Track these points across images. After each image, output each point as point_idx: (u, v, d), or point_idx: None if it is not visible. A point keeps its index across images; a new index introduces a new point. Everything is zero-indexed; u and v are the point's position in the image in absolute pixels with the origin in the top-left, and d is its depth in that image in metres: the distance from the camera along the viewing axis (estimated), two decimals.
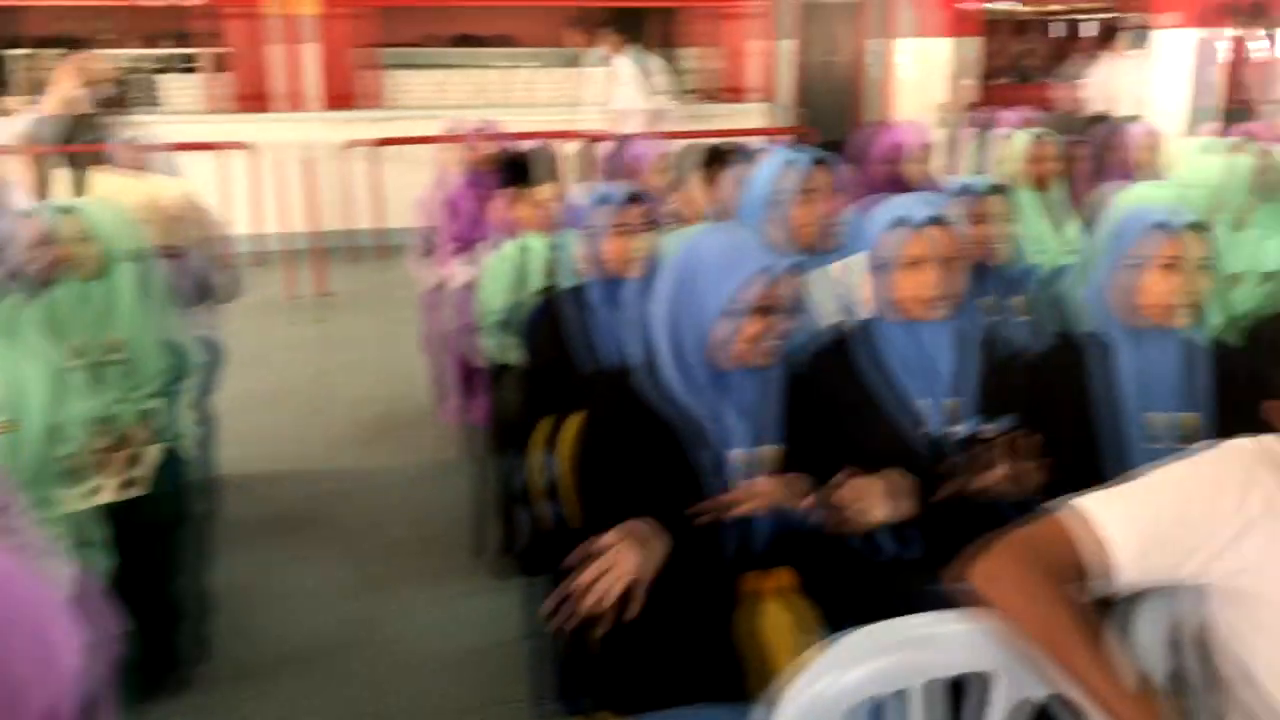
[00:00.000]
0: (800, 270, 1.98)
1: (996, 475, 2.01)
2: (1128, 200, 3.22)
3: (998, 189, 2.82)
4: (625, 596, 1.73)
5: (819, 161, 2.64)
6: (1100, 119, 7.67)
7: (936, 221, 2.12)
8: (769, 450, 1.97)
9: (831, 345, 2.26)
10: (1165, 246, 2.16)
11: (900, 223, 2.13)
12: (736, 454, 1.96)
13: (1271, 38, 8.70)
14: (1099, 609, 1.36)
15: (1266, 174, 3.82)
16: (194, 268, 3.78)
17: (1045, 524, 1.38)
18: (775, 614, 1.87)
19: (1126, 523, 1.33)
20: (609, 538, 1.76)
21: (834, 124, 8.78)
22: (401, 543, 3.71)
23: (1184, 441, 2.15)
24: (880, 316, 2.18)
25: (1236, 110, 7.57)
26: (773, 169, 2.70)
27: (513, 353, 3.07)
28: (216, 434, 3.56)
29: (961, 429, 2.12)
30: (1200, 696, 1.42)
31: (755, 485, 1.89)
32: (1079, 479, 1.98)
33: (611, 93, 7.81)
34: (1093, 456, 2.18)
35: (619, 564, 1.74)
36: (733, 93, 9.67)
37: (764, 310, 1.90)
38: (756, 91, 9.58)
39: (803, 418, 2.04)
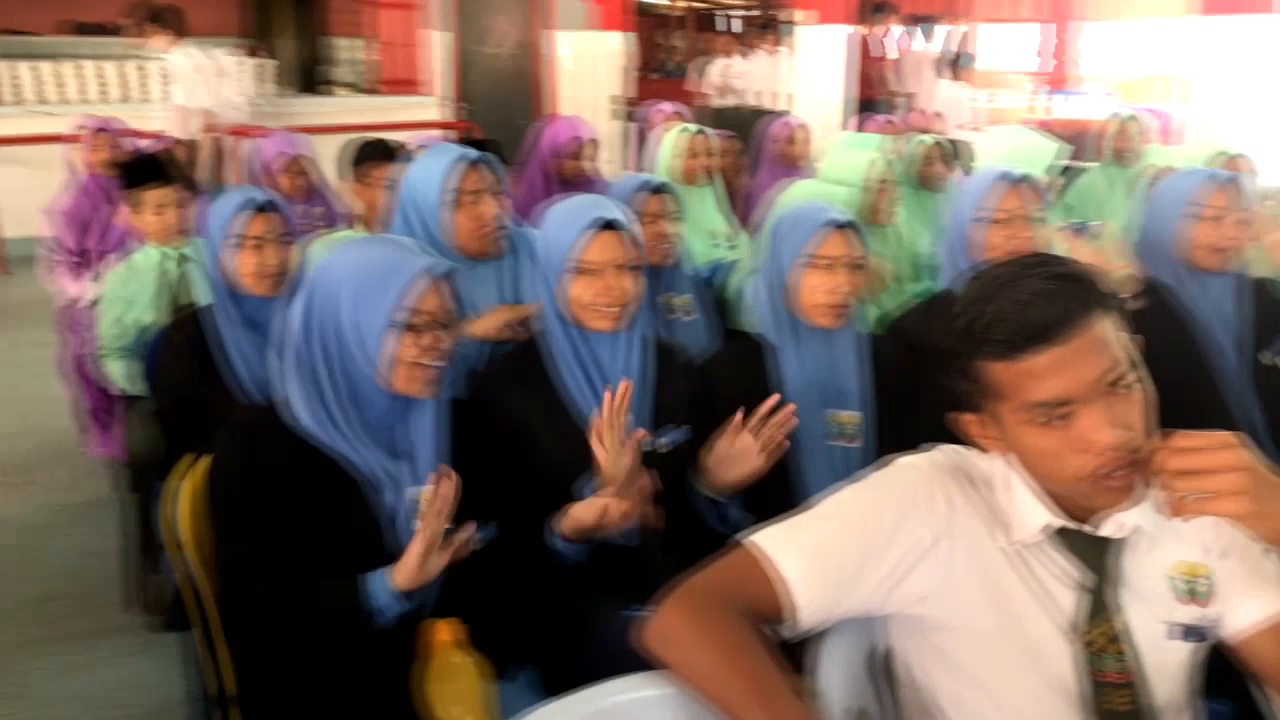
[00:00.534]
0: (454, 276, 1.78)
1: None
2: (788, 198, 3.25)
3: (664, 186, 2.74)
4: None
5: (479, 160, 2.45)
6: (760, 113, 7.97)
7: (611, 226, 2.00)
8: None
9: (516, 355, 2.11)
10: (825, 246, 2.15)
11: (577, 224, 2.00)
12: (414, 493, 1.75)
13: (910, 33, 9.39)
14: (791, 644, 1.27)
15: (911, 166, 4.03)
16: None
17: (729, 563, 1.27)
18: (449, 668, 1.69)
19: (803, 559, 1.25)
20: None
21: (500, 119, 8.64)
22: (50, 597, 3.22)
23: (852, 439, 2.17)
24: (562, 324, 2.04)
25: (874, 103, 8.09)
26: (429, 168, 2.49)
27: (140, 381, 2.69)
28: None
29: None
30: None
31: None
32: (769, 481, 1.98)
33: (169, 89, 7.27)
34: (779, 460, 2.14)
35: None
36: (392, 86, 9.31)
37: (424, 326, 1.69)
38: (414, 85, 9.28)
39: (474, 442, 1.85)
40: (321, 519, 1.69)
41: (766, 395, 2.16)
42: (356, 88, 8.81)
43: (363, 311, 1.66)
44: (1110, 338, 1.21)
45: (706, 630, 1.19)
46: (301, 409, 1.71)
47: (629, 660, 1.25)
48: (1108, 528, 1.28)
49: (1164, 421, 1.22)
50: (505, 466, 1.89)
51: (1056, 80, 9.17)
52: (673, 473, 2.00)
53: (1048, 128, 6.19)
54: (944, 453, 1.36)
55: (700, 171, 3.92)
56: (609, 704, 1.19)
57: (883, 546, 1.26)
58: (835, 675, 1.29)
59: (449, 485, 1.65)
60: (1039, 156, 3.22)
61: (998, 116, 9.06)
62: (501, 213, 2.45)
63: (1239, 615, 1.30)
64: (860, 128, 5.82)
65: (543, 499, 1.88)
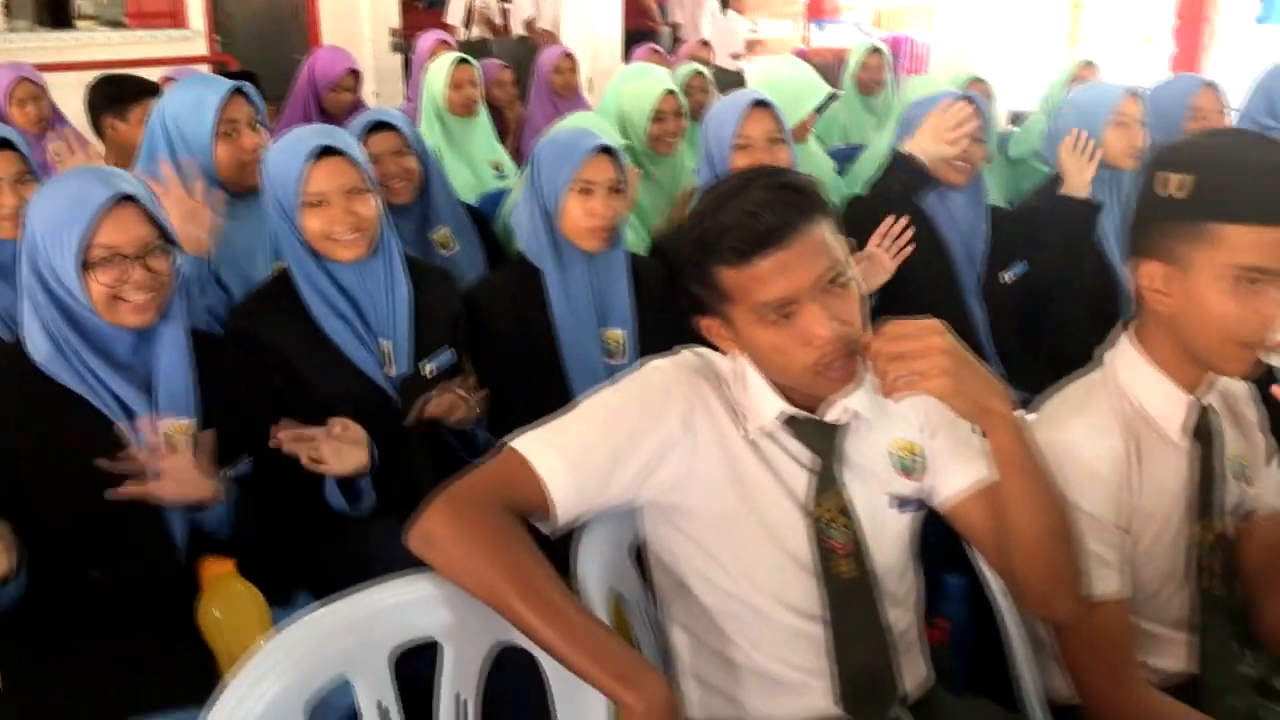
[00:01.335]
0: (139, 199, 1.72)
1: (437, 408, 1.98)
2: (557, 128, 3.27)
3: (388, 124, 2.69)
4: None
5: (239, 90, 2.37)
6: (524, 41, 7.93)
7: (331, 151, 1.99)
8: (182, 422, 1.75)
9: (273, 289, 2.08)
10: (588, 171, 2.21)
11: (298, 156, 1.98)
12: (164, 425, 1.73)
13: None
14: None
15: (691, 96, 4.09)
16: None
17: (491, 466, 1.33)
18: (227, 597, 1.70)
19: (558, 458, 1.32)
20: None
21: (268, 53, 8.25)
22: None
23: (620, 356, 2.27)
24: (310, 255, 2.03)
25: (644, 34, 8.14)
26: (189, 98, 2.39)
27: None
28: None
29: (405, 368, 2.05)
30: (643, 613, 1.47)
31: (164, 467, 1.67)
32: (544, 404, 2.03)
33: None
34: (555, 380, 2.21)
35: None
36: (141, 19, 8.74)
37: (114, 260, 1.66)
38: (166, 18, 8.73)
39: (228, 378, 1.84)
40: (65, 454, 1.67)
41: (536, 319, 2.23)
42: (102, 20, 8.20)
43: (55, 256, 1.65)
44: (828, 241, 1.32)
45: (468, 527, 1.25)
46: (39, 347, 1.68)
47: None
48: (832, 414, 1.40)
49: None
50: (266, 398, 1.89)
51: (815, 10, 9.48)
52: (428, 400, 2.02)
53: (806, 57, 6.43)
54: (690, 354, 1.46)
55: (469, 102, 3.91)
56: (376, 607, 1.23)
57: (632, 444, 1.35)
58: (594, 563, 1.36)
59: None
60: (808, 92, 3.32)
61: (766, 47, 9.31)
62: (261, 145, 2.39)
63: (948, 485, 1.45)
64: (626, 58, 5.88)
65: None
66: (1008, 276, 2.77)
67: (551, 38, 7.58)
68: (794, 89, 3.28)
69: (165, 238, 1.73)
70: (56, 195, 1.68)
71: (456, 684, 1.26)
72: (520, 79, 5.16)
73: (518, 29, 8.52)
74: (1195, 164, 1.36)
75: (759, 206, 1.29)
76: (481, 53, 7.83)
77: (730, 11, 8.85)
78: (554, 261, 2.23)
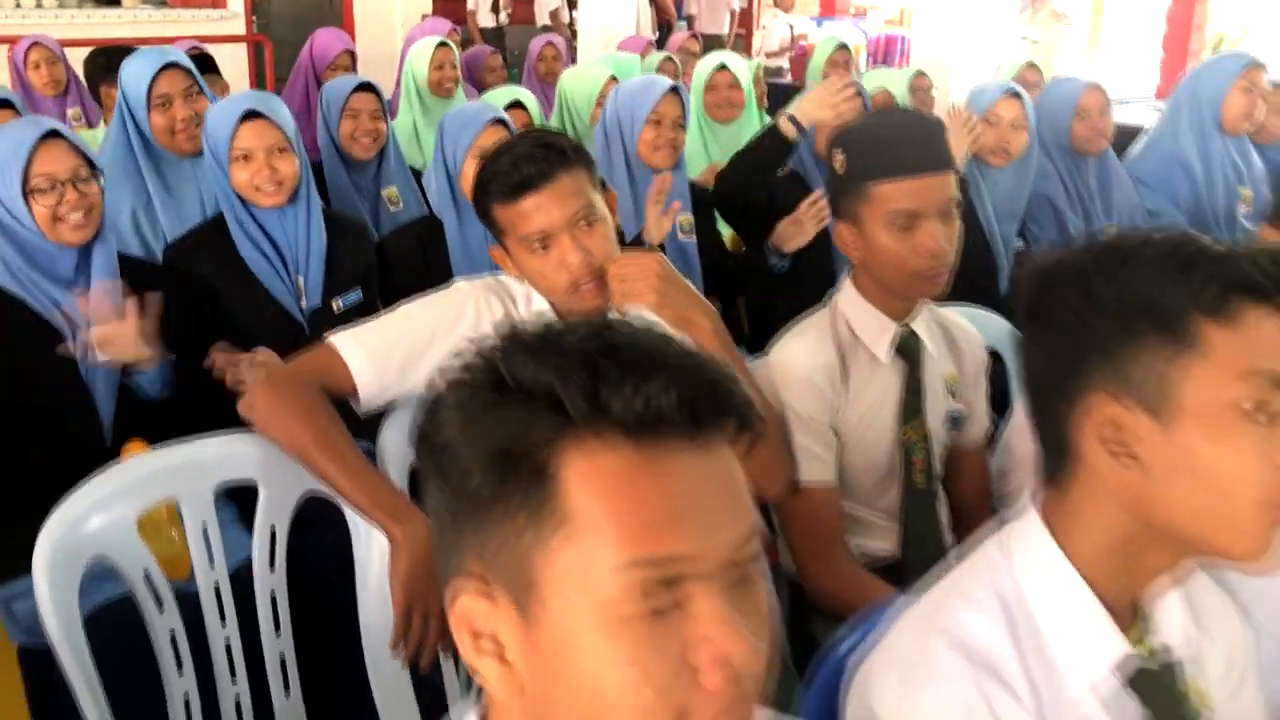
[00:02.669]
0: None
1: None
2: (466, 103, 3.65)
3: (368, 86, 3.10)
4: None
5: (173, 65, 2.75)
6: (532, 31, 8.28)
7: (253, 115, 2.35)
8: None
9: (209, 228, 2.45)
10: (482, 137, 2.56)
11: (230, 117, 2.36)
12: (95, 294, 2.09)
13: None
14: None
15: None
16: None
17: (310, 355, 1.69)
18: None
19: (363, 352, 1.66)
20: None
21: (294, 32, 8.70)
22: None
23: None
24: (240, 203, 2.40)
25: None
26: (134, 72, 2.78)
27: None
28: None
29: (317, 302, 2.42)
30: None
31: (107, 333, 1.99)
32: None
33: None
34: None
35: None
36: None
37: (51, 187, 2.01)
38: None
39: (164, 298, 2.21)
40: (20, 361, 2.04)
41: (437, 265, 2.59)
42: (146, 0, 8.72)
43: (2, 189, 2.01)
44: (582, 188, 1.67)
45: (283, 398, 1.60)
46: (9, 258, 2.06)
47: None
48: None
49: None
50: (193, 323, 2.26)
51: (826, 7, 9.78)
52: None
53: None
54: (491, 278, 1.81)
55: (447, 83, 4.28)
56: (206, 452, 1.60)
57: (428, 343, 1.69)
58: (395, 439, 1.72)
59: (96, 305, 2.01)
60: None
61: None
62: (197, 114, 2.73)
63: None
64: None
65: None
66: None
67: (570, 30, 7.97)
68: None
69: (90, 166, 2.10)
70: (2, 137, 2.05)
71: (271, 518, 1.63)
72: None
73: (543, 19, 8.91)
74: (848, 142, 1.72)
75: (521, 157, 1.64)
76: (498, 40, 8.18)
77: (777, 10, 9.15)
78: (454, 215, 2.60)
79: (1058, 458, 0.99)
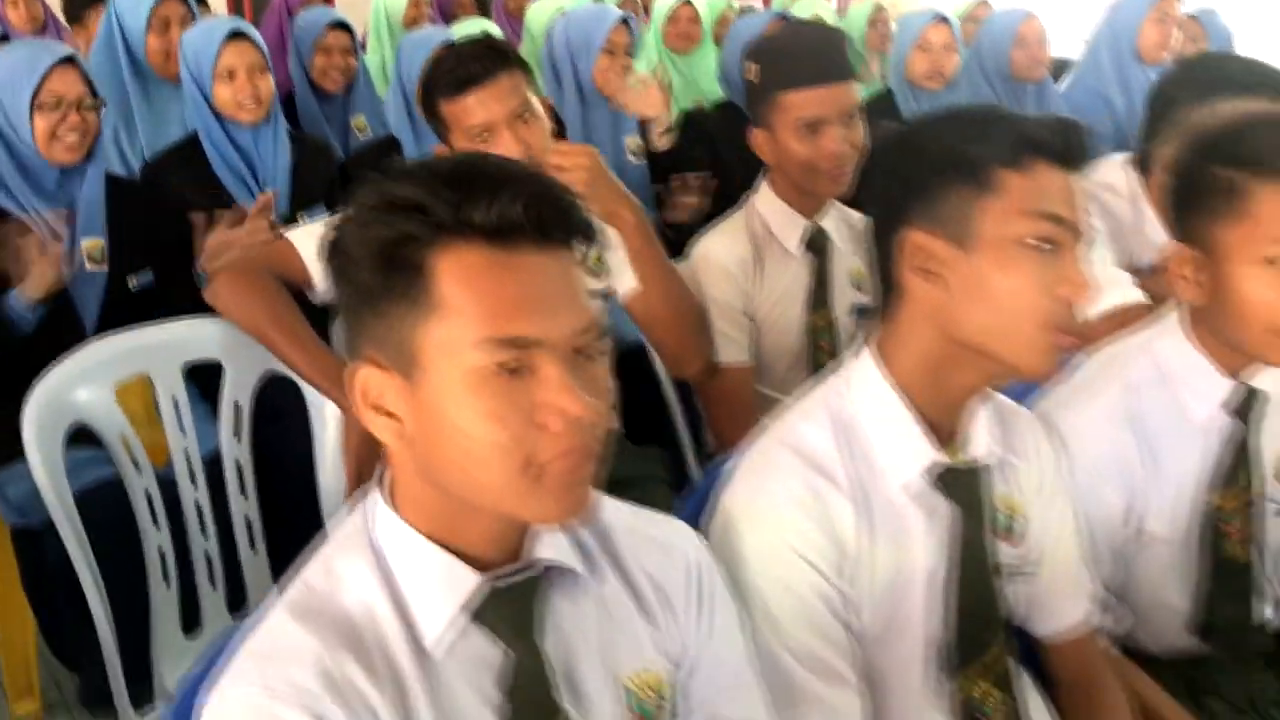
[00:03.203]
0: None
1: None
2: None
3: (341, 24, 3.25)
4: None
5: None
6: None
7: (238, 35, 2.51)
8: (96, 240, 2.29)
9: (184, 147, 2.59)
10: None
11: (214, 37, 2.51)
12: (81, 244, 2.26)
13: None
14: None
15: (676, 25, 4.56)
16: None
17: (268, 249, 1.85)
18: None
19: (315, 245, 1.81)
20: None
21: None
22: None
23: None
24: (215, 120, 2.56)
25: None
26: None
27: None
28: None
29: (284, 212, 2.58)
30: None
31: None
32: None
33: None
34: None
35: None
36: None
37: (57, 105, 2.17)
38: None
39: (139, 213, 2.37)
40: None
41: None
42: None
43: (8, 97, 2.16)
44: (519, 87, 1.83)
45: (244, 285, 1.77)
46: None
47: None
48: None
49: None
50: (170, 232, 2.43)
51: None
52: None
53: None
54: None
55: (421, 19, 4.41)
56: (173, 333, 1.78)
57: None
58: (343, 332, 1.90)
59: (61, 222, 2.18)
60: None
61: None
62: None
63: (623, 285, 1.98)
64: None
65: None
66: None
67: None
68: None
69: (94, 95, 2.25)
70: (15, 53, 2.22)
71: (235, 394, 1.81)
72: None
73: None
74: (760, 52, 1.89)
75: (468, 56, 1.81)
76: None
77: None
78: (410, 133, 2.77)
79: (888, 295, 1.17)
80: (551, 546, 0.95)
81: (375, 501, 0.94)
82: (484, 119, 1.81)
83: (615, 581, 1.00)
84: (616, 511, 1.04)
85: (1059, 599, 1.30)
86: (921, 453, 1.15)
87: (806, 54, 1.83)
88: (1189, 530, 1.40)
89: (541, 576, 0.94)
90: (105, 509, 1.79)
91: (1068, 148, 1.11)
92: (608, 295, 1.97)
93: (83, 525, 1.67)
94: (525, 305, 0.85)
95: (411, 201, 0.86)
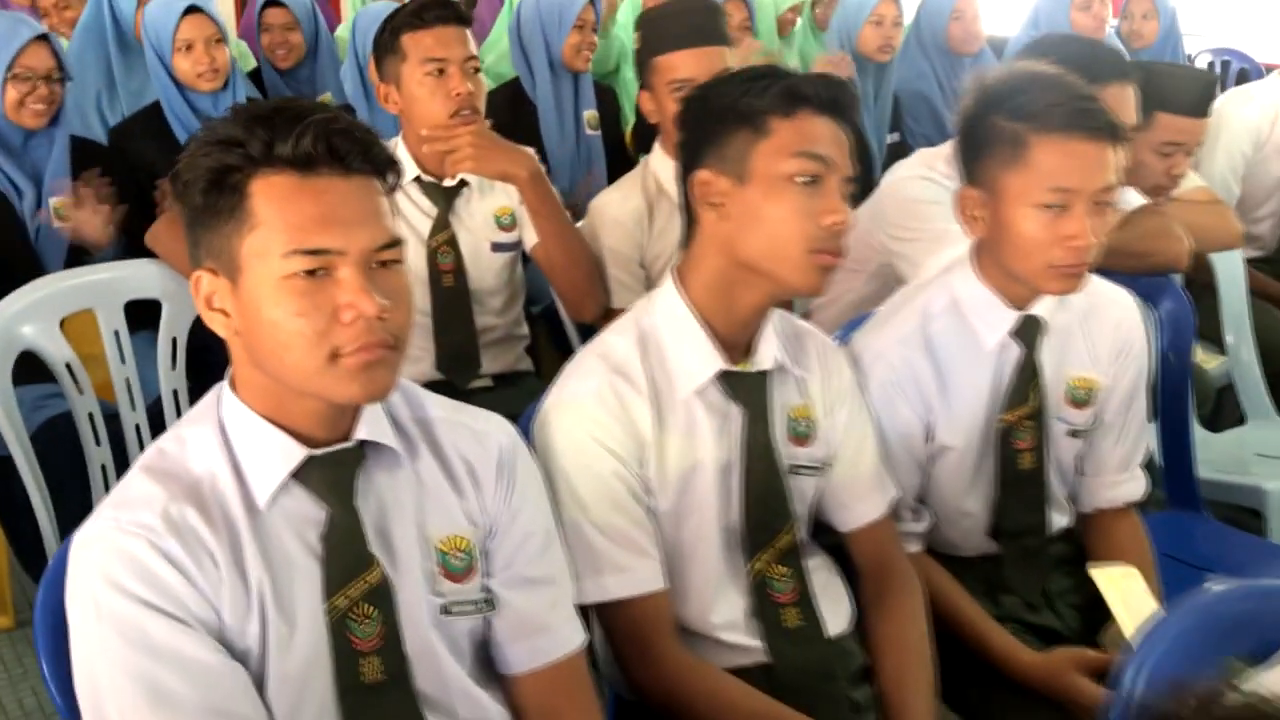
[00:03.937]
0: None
1: None
2: None
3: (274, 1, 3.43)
4: None
5: None
6: None
7: (193, 10, 2.71)
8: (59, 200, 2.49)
9: (149, 114, 2.80)
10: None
11: (172, 12, 2.71)
12: (48, 204, 2.48)
13: None
14: None
15: None
16: None
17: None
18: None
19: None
20: None
21: None
22: None
23: None
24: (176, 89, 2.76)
25: None
26: None
27: None
28: None
29: None
30: None
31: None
32: None
33: None
34: None
35: None
36: None
37: (27, 76, 2.37)
38: None
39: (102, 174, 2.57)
40: None
41: None
42: None
43: None
44: (470, 41, 2.04)
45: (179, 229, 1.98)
46: None
47: None
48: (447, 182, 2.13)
49: None
50: (134, 197, 2.63)
51: None
52: None
53: None
54: None
55: None
56: (117, 273, 1.99)
57: None
58: None
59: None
60: None
61: None
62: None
63: (530, 240, 2.19)
64: None
65: None
66: None
67: None
68: None
69: (61, 68, 2.46)
70: None
71: (172, 330, 2.02)
72: None
73: None
74: (643, 22, 2.10)
75: (431, 4, 2.03)
76: None
77: None
78: (365, 105, 2.99)
79: (690, 227, 1.38)
80: (372, 428, 1.14)
81: (223, 386, 1.15)
82: (442, 54, 2.02)
83: (431, 460, 1.18)
84: (442, 407, 1.23)
85: (855, 499, 1.50)
86: (710, 361, 1.35)
87: (679, 19, 2.03)
88: (984, 445, 1.58)
89: (360, 450, 1.13)
90: (60, 443, 2.01)
91: (832, 98, 1.31)
92: (517, 244, 2.18)
93: (40, 457, 1.90)
94: (325, 222, 1.04)
95: (233, 138, 1.06)
